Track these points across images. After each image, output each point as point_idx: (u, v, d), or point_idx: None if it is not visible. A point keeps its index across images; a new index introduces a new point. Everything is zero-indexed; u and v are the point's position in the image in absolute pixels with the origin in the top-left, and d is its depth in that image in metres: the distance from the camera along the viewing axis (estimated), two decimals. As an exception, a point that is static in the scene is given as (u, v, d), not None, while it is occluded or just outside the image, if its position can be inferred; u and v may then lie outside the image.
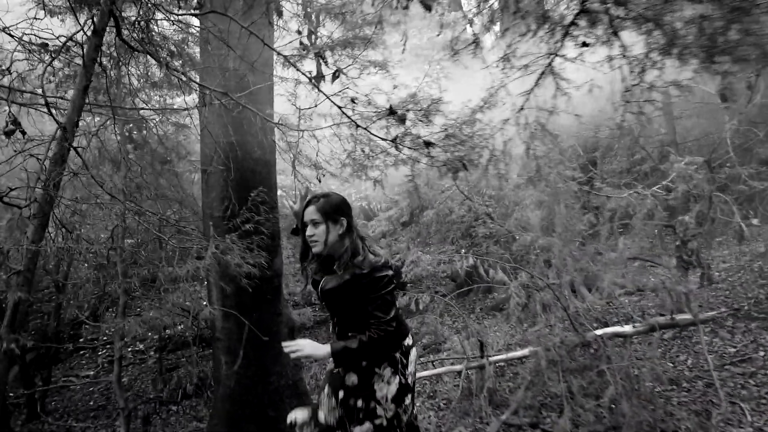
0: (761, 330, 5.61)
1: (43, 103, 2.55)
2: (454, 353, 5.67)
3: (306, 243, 2.58)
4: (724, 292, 7.15)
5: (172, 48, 4.19)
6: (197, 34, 4.56)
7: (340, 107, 2.63)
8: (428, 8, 1.75)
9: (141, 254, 5.23)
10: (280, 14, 2.66)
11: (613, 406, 4.06)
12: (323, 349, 2.37)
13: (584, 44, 2.24)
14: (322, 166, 3.57)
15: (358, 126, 2.66)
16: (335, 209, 2.55)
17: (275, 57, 3.85)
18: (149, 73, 5.62)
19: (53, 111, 2.33)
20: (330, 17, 3.31)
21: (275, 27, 2.85)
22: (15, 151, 2.85)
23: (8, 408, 6.77)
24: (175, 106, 5.50)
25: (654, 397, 4.27)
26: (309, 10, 2.64)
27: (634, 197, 4.25)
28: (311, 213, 2.53)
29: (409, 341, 2.64)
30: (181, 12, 3.06)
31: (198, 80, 4.10)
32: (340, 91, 2.63)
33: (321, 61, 2.46)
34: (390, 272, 2.50)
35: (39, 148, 3.19)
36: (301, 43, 2.58)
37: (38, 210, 1.98)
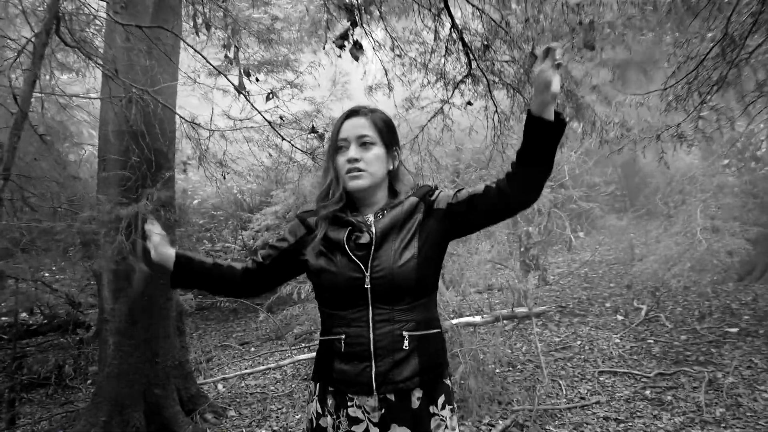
0: (580, 324, 6.85)
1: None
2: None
3: (336, 178, 1.68)
4: (555, 292, 8.51)
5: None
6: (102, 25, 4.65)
7: (269, 122, 3.04)
8: (356, 59, 2.20)
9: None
10: (208, 27, 2.96)
11: (462, 381, 4.84)
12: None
13: (469, 103, 2.89)
14: (228, 164, 3.91)
15: (284, 139, 3.09)
16: (392, 130, 1.75)
17: (201, 64, 4.11)
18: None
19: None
20: (256, 40, 3.65)
21: (203, 35, 3.16)
22: None
23: None
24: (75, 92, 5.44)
25: (495, 375, 5.15)
26: (234, 27, 2.99)
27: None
28: (360, 127, 1.67)
29: None
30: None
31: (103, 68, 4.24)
32: (270, 109, 3.04)
33: (246, 76, 2.84)
34: None
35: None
36: (226, 56, 2.93)
37: None
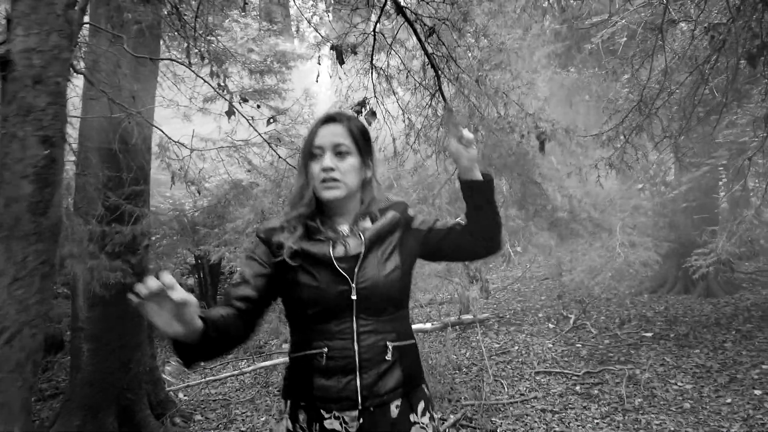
0: (517, 332, 7.49)
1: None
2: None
3: (307, 185, 1.61)
4: (493, 304, 9.19)
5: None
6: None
7: (269, 143, 3.42)
8: (369, 123, 2.60)
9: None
10: (203, 58, 3.31)
11: (417, 383, 5.29)
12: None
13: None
14: (202, 183, 4.20)
15: (280, 157, 3.48)
16: (368, 139, 1.69)
17: (191, 89, 4.42)
18: None
19: None
20: (248, 72, 4.02)
21: (194, 65, 3.49)
22: None
23: None
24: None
25: (444, 376, 5.65)
26: (223, 58, 3.36)
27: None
28: (336, 135, 1.61)
29: None
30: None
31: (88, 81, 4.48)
32: (267, 131, 3.42)
33: (244, 101, 3.22)
34: None
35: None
36: (219, 85, 3.29)
37: None
